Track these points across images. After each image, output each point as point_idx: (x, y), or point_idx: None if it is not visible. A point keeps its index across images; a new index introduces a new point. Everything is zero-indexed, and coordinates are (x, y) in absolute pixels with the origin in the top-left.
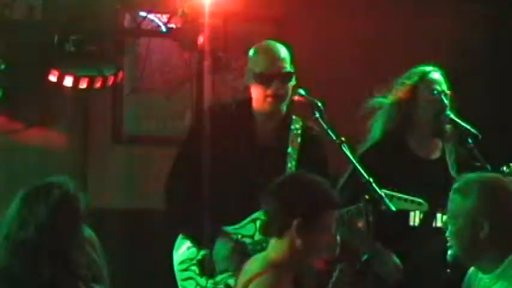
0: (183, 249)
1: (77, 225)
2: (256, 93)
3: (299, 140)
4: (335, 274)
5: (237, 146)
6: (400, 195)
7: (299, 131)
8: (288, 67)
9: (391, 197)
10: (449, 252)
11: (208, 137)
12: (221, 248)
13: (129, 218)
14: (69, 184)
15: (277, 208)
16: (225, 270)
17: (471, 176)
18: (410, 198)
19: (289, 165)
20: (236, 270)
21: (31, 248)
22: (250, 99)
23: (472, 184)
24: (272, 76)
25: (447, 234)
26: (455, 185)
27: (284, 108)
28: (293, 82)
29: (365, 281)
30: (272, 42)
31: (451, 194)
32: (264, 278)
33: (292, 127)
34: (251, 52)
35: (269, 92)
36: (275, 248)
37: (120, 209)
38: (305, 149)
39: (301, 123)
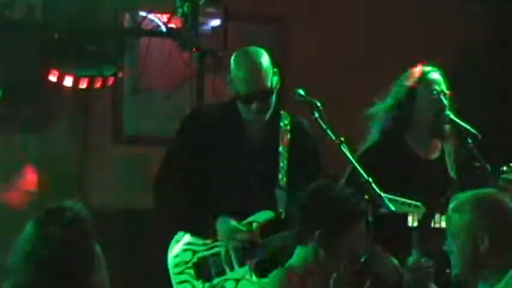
0: (178, 251)
1: (89, 246)
2: (240, 105)
3: (289, 136)
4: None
5: (228, 148)
6: (396, 198)
7: (288, 127)
8: (269, 82)
9: (387, 200)
10: (453, 272)
11: (196, 140)
12: (224, 223)
13: (129, 218)
14: (79, 207)
15: (301, 218)
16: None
17: (464, 193)
18: (407, 201)
19: (281, 164)
20: (238, 245)
21: (45, 268)
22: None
23: (467, 200)
24: (253, 97)
25: (451, 256)
26: (450, 206)
27: (269, 114)
28: (276, 93)
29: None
30: (252, 52)
31: (448, 215)
32: (274, 273)
33: (281, 124)
34: (232, 62)
35: (251, 108)
36: (298, 255)
37: (120, 209)
38: (295, 144)
39: (289, 119)
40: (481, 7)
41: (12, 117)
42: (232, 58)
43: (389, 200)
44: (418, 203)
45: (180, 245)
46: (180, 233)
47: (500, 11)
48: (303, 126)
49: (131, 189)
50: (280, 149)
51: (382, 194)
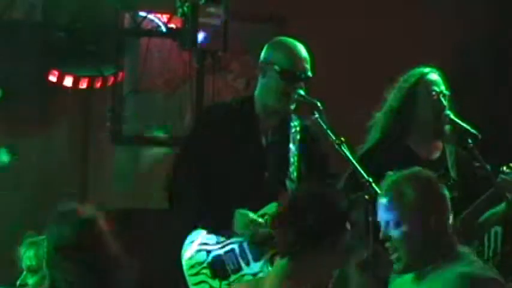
0: (192, 253)
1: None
2: (272, 88)
3: (298, 137)
4: None
5: (241, 143)
6: None
7: (298, 129)
8: (310, 71)
9: None
10: (396, 267)
11: (211, 136)
12: (242, 215)
13: (129, 218)
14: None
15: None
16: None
17: (391, 177)
18: None
19: (291, 160)
20: (253, 237)
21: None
22: (251, 97)
23: (399, 184)
24: (298, 75)
25: (392, 246)
26: (383, 194)
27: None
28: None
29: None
30: (294, 41)
31: (381, 204)
32: None
33: (292, 124)
34: (271, 45)
35: (289, 90)
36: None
37: (120, 209)
38: (305, 146)
39: (299, 121)
40: (481, 7)
41: (12, 117)
42: (273, 45)
43: None
44: None
45: (194, 246)
46: (193, 234)
47: (500, 11)
48: (312, 131)
49: (131, 189)
50: (291, 146)
51: None
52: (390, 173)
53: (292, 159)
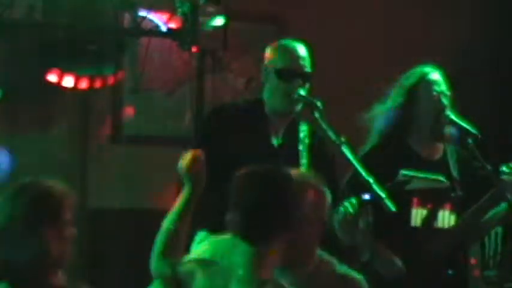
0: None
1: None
2: (274, 90)
3: (307, 141)
4: None
5: (252, 143)
6: (419, 175)
7: (306, 133)
8: (308, 67)
9: (411, 178)
10: None
11: (222, 134)
12: None
13: (129, 218)
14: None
15: None
16: None
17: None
18: (430, 176)
19: (301, 161)
20: None
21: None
22: (261, 99)
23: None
24: (295, 73)
25: None
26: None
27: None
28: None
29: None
30: (292, 41)
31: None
32: None
33: (301, 128)
34: (270, 49)
35: (289, 90)
36: None
37: (120, 209)
38: (313, 150)
39: (307, 127)
40: (482, 6)
41: (12, 117)
42: (271, 48)
43: (413, 176)
44: (442, 178)
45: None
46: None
47: (500, 10)
48: (320, 136)
49: (131, 190)
50: (301, 147)
51: (383, 196)
52: (404, 172)
53: (302, 161)
